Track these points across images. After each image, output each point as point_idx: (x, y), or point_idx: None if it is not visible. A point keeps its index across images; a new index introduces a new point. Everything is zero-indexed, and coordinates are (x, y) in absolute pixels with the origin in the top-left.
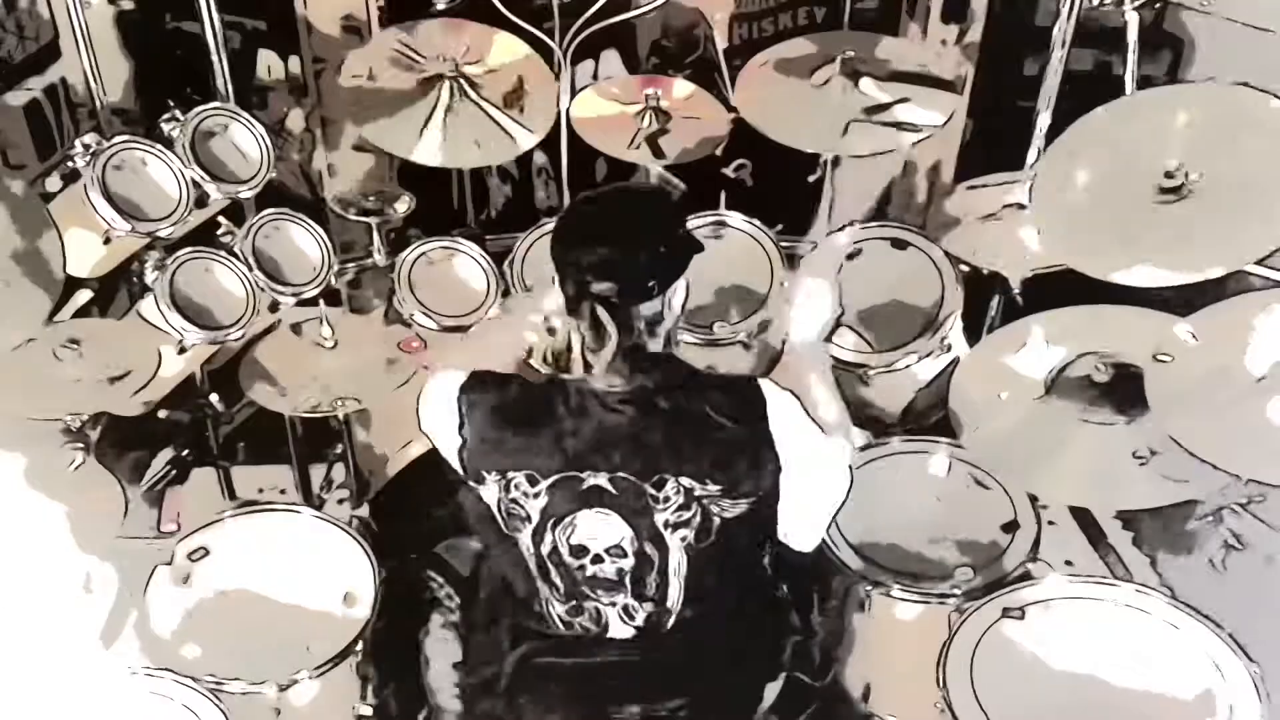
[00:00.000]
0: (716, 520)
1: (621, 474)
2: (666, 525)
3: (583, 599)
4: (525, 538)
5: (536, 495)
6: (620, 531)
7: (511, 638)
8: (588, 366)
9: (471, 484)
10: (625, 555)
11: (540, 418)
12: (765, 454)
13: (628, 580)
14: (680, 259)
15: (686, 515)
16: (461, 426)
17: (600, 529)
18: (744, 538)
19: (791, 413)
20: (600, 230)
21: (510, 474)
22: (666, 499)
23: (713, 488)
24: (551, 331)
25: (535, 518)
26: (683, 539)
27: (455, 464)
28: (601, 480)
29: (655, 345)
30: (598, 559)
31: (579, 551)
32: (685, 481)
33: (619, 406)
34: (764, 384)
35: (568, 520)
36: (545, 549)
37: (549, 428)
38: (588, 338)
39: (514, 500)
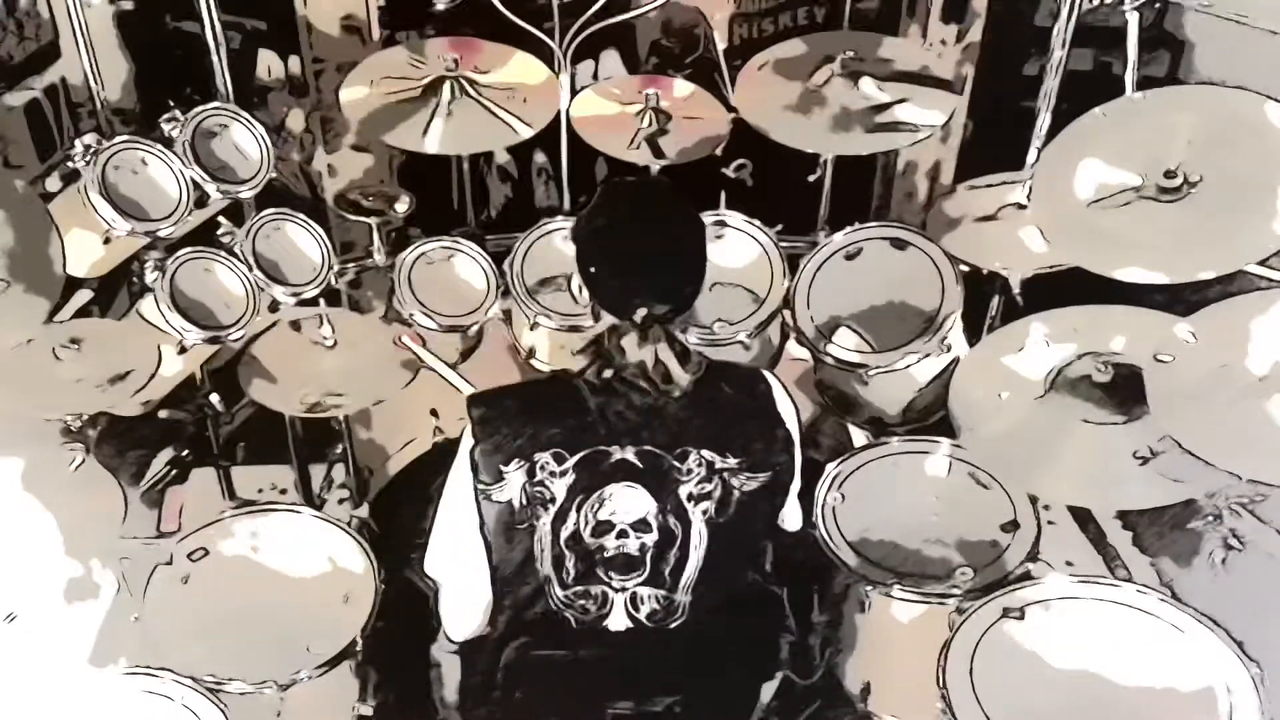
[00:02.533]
0: (735, 494)
1: (647, 447)
2: (690, 498)
3: (593, 583)
4: (545, 524)
5: (564, 473)
6: (646, 505)
7: (508, 632)
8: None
9: (486, 486)
10: (650, 530)
11: (562, 401)
12: (778, 428)
13: (648, 557)
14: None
15: (708, 488)
16: (475, 431)
17: (628, 502)
18: (759, 517)
19: (789, 399)
20: (663, 273)
21: (537, 455)
22: (689, 471)
23: (732, 460)
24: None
25: (560, 497)
26: (704, 512)
27: (469, 472)
28: (628, 454)
29: None
30: (622, 534)
31: (603, 529)
32: (707, 454)
33: (643, 385)
34: (765, 372)
35: (596, 495)
36: (566, 532)
37: (575, 410)
38: (670, 362)
39: (539, 483)
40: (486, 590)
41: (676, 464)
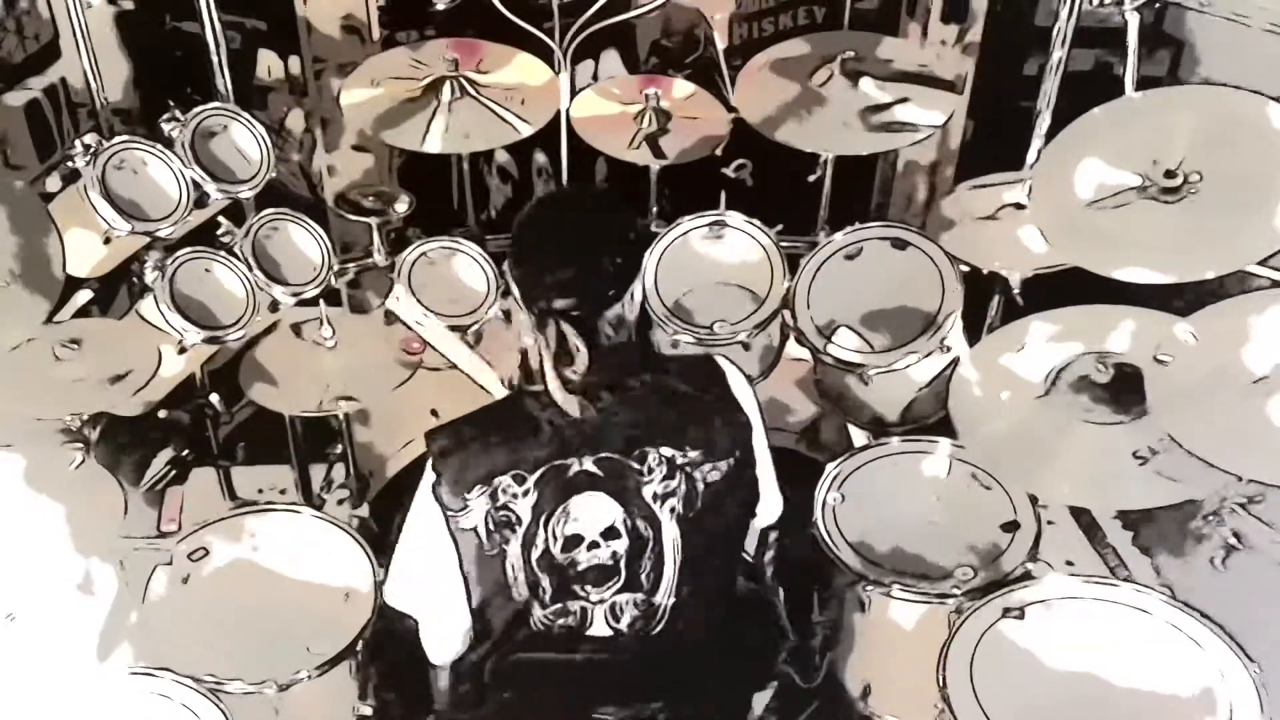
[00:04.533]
0: (701, 486)
1: (605, 454)
2: (655, 498)
3: (570, 599)
4: (514, 547)
5: (525, 493)
6: (612, 512)
7: (494, 637)
8: (566, 382)
9: (453, 515)
10: (619, 536)
11: (516, 421)
12: (734, 414)
13: (622, 565)
14: (636, 260)
15: (672, 485)
16: (435, 465)
17: (593, 512)
18: (729, 507)
19: (745, 383)
20: (556, 247)
21: (496, 479)
22: (651, 470)
23: (692, 453)
24: (523, 350)
25: (526, 517)
26: (672, 510)
27: (433, 505)
28: (587, 464)
29: (620, 339)
30: (593, 545)
31: (573, 543)
32: (665, 451)
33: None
34: (718, 358)
35: (560, 511)
36: (536, 553)
37: (526, 427)
38: (557, 355)
39: (502, 507)
40: (465, 616)
41: (636, 465)
